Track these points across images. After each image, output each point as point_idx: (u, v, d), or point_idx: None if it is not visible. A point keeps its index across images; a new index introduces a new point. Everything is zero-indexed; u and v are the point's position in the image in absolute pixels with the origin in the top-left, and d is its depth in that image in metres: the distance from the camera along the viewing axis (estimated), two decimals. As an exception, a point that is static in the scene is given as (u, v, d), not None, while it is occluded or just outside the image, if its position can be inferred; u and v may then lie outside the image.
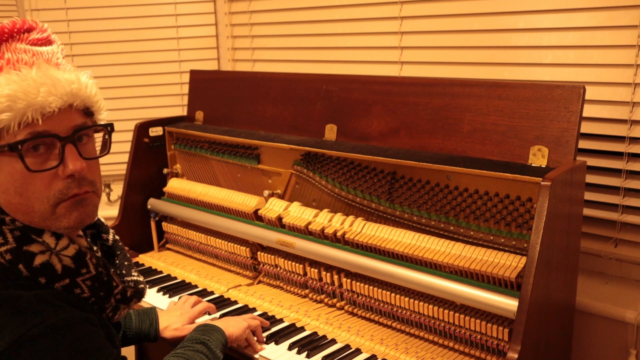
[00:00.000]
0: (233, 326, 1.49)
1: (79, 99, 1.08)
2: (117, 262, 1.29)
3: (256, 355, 1.53)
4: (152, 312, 1.59)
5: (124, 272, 1.28)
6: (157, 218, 2.28)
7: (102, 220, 1.33)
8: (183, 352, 1.32)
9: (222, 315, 1.72)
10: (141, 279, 1.29)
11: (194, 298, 1.70)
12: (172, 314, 1.62)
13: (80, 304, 1.06)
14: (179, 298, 1.83)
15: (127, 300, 1.19)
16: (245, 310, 1.77)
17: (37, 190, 1.05)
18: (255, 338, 1.57)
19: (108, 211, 2.81)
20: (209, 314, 1.71)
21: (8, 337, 0.92)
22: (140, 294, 1.24)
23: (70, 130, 1.07)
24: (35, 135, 1.03)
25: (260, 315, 1.73)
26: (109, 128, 1.18)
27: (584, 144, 1.80)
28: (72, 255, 1.06)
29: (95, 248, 1.27)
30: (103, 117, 1.17)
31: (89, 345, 0.99)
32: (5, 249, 1.01)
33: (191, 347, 1.33)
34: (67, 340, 0.96)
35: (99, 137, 1.21)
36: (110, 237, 1.31)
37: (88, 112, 1.13)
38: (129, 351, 2.31)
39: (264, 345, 1.56)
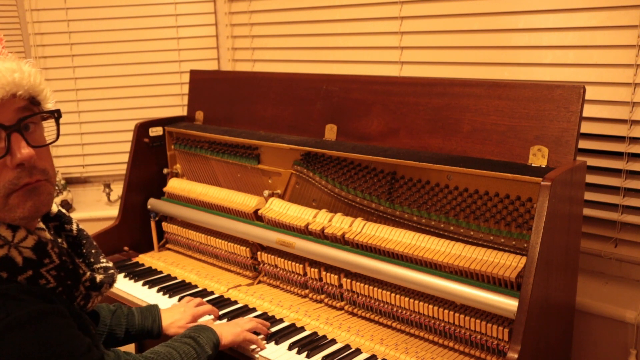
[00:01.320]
0: (227, 331, 1.50)
1: (22, 88, 1.05)
2: (84, 251, 1.28)
3: (256, 355, 1.53)
4: (154, 309, 1.60)
5: (92, 260, 1.28)
6: (157, 218, 2.28)
7: (64, 211, 1.32)
8: (171, 343, 1.36)
9: (222, 315, 1.72)
10: (110, 264, 1.28)
11: (198, 300, 1.71)
12: (175, 311, 1.62)
13: (47, 295, 1.03)
14: (180, 299, 1.84)
15: (98, 287, 1.17)
16: (246, 310, 1.77)
17: (5, 171, 1.03)
18: (261, 335, 1.58)
19: (108, 211, 2.81)
20: (213, 317, 1.70)
21: None
22: (111, 279, 1.22)
23: (14, 119, 1.04)
24: None
25: (260, 315, 1.73)
26: (56, 114, 1.13)
27: (584, 144, 1.80)
28: (31, 247, 1.04)
29: (60, 240, 1.26)
30: (50, 106, 1.14)
31: (57, 337, 0.98)
32: None
33: (179, 340, 1.38)
34: (33, 333, 0.95)
35: (50, 125, 1.17)
36: (74, 227, 1.29)
37: (34, 101, 1.10)
38: (129, 349, 2.30)
39: (265, 345, 1.56)
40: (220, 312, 1.74)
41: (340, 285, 1.73)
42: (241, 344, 1.52)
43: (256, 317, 1.70)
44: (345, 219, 1.73)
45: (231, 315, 1.71)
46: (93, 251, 1.28)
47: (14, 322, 0.94)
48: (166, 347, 1.34)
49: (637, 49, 1.69)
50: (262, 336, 1.58)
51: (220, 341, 1.46)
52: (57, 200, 2.80)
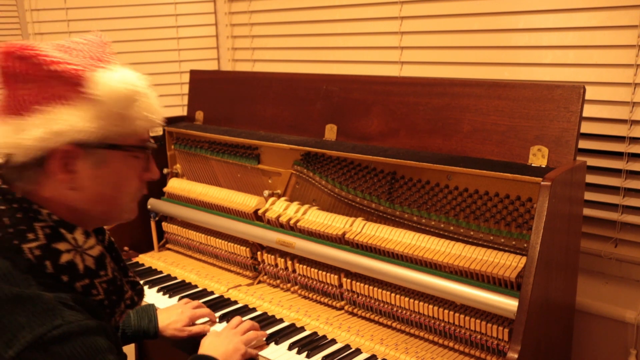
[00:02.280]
0: (231, 355, 1.44)
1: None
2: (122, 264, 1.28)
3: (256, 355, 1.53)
4: (150, 308, 1.59)
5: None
6: (157, 218, 2.28)
7: None
8: None
9: (222, 316, 1.72)
10: (137, 279, 1.27)
11: (196, 302, 1.71)
12: (172, 312, 1.62)
13: (96, 308, 1.06)
14: (180, 299, 1.83)
15: (134, 304, 1.19)
16: (246, 310, 1.76)
17: (132, 186, 1.12)
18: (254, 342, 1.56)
19: (108, 211, 2.80)
20: (210, 321, 1.69)
21: (29, 337, 0.92)
22: (141, 296, 1.23)
23: (153, 140, 1.16)
24: (147, 141, 1.12)
25: (260, 315, 1.73)
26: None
27: (584, 144, 1.80)
28: (95, 256, 1.07)
29: None
30: None
31: (101, 357, 0.98)
32: (36, 245, 1.00)
33: None
34: (82, 346, 0.96)
35: None
36: (106, 237, 1.28)
37: None
38: (129, 349, 2.30)
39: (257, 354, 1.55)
40: (221, 312, 1.74)
41: (340, 285, 1.73)
42: (248, 352, 1.50)
43: (256, 317, 1.70)
44: (346, 219, 1.73)
45: (231, 317, 1.71)
46: (121, 264, 1.24)
47: (67, 332, 0.95)
48: None
49: (637, 49, 1.69)
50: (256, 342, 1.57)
51: None
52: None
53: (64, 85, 1.00)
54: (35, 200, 1.03)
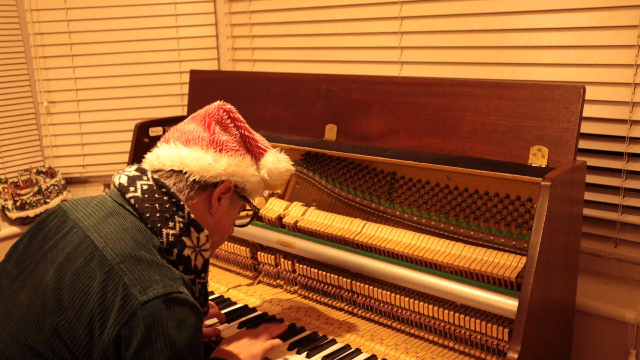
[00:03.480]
0: None
1: None
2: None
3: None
4: None
5: None
6: (157, 218, 2.28)
7: None
8: None
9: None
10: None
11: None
12: None
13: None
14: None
15: (206, 314, 1.42)
16: (246, 310, 1.76)
17: (228, 231, 1.44)
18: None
19: (108, 211, 2.80)
20: (220, 322, 1.68)
21: (161, 290, 1.11)
22: (205, 315, 1.43)
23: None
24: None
25: (259, 315, 1.72)
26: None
27: (584, 144, 1.80)
28: (205, 258, 1.32)
29: None
30: None
31: (199, 337, 1.17)
32: (173, 232, 1.25)
33: None
34: (191, 318, 1.15)
35: None
36: None
37: None
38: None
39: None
40: (222, 313, 1.73)
41: (340, 285, 1.73)
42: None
43: (256, 317, 1.69)
44: (346, 219, 1.73)
45: (231, 317, 1.71)
46: None
47: (187, 300, 1.15)
48: None
49: (637, 49, 1.69)
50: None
51: None
52: (57, 200, 2.81)
53: (244, 147, 1.41)
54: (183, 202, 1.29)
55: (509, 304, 1.35)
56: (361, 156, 1.71)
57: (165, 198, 1.27)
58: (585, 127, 1.77)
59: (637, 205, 1.77)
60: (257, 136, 1.44)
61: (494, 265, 1.42)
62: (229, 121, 1.40)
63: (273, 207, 1.89)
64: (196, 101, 2.34)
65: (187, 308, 1.15)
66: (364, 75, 1.92)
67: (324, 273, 1.76)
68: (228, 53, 2.92)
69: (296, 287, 1.86)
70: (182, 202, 1.28)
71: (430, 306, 1.53)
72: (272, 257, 1.89)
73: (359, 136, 1.80)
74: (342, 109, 1.85)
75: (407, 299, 1.58)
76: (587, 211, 1.80)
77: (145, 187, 1.28)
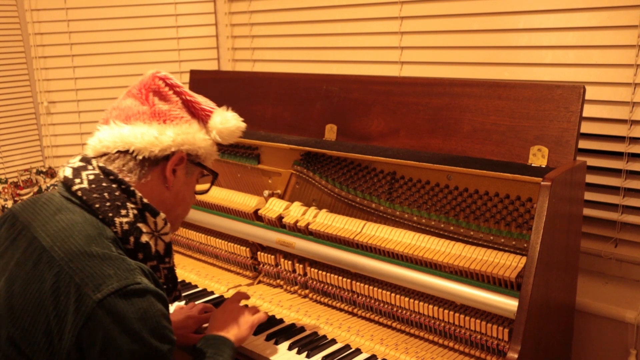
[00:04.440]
0: (242, 331, 1.47)
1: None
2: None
3: (255, 355, 1.53)
4: None
5: None
6: (157, 218, 2.28)
7: None
8: None
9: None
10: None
11: (201, 306, 1.69)
12: (175, 318, 1.61)
13: (160, 289, 1.18)
14: (185, 303, 1.83)
15: (178, 298, 1.35)
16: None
17: (189, 202, 1.38)
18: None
19: (108, 211, 2.80)
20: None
21: (116, 285, 1.06)
22: (179, 298, 1.39)
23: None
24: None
25: (260, 315, 1.73)
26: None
27: (584, 144, 1.80)
28: (166, 242, 1.26)
29: None
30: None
31: (164, 321, 1.13)
32: (126, 220, 1.19)
33: None
34: (154, 305, 1.10)
35: None
36: None
37: None
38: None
39: (264, 343, 1.56)
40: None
41: (340, 285, 1.73)
42: (248, 337, 1.50)
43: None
44: (346, 219, 1.73)
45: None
46: None
47: (146, 290, 1.10)
48: None
49: (637, 49, 1.69)
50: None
51: (237, 345, 1.44)
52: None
53: (189, 112, 1.33)
54: (133, 187, 1.22)
55: (509, 304, 1.35)
56: (361, 156, 1.71)
57: (114, 186, 1.21)
58: (585, 127, 1.77)
59: (637, 205, 1.77)
60: (200, 98, 1.37)
61: (494, 265, 1.42)
62: (166, 89, 1.32)
63: (273, 207, 1.89)
64: (196, 101, 2.33)
65: (149, 297, 1.10)
66: (364, 75, 1.92)
67: (324, 273, 1.76)
68: (228, 53, 2.92)
69: (296, 287, 1.86)
70: (132, 188, 1.22)
71: (430, 306, 1.53)
72: (272, 257, 1.89)
73: (359, 136, 1.80)
74: (342, 109, 1.85)
75: (407, 299, 1.58)
76: (587, 211, 1.80)
77: (91, 176, 1.21)
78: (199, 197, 2.10)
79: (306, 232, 1.78)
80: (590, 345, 1.81)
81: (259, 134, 2.03)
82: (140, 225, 1.20)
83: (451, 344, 1.51)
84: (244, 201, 1.98)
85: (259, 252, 1.94)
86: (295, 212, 1.83)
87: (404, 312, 1.59)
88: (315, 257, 1.75)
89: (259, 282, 1.98)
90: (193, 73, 2.38)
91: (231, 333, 1.44)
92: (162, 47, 2.94)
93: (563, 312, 1.54)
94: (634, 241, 1.79)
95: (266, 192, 1.95)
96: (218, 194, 2.07)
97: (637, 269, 1.81)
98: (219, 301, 1.82)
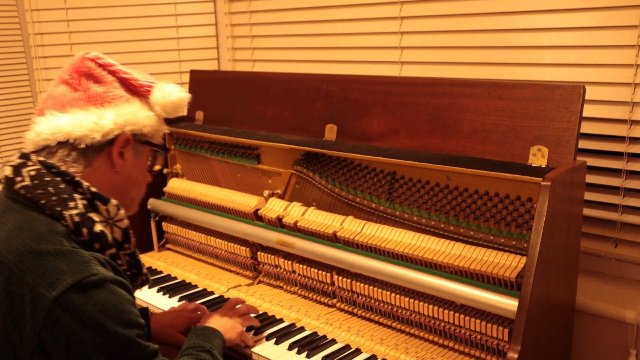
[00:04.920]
0: (230, 331, 1.50)
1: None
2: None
3: (256, 355, 1.53)
4: (143, 312, 1.59)
5: None
6: (157, 218, 2.28)
7: None
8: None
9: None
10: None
11: (193, 305, 1.70)
12: (166, 317, 1.61)
13: (121, 274, 1.17)
14: (180, 299, 1.83)
15: (145, 283, 1.31)
16: (245, 310, 1.76)
17: (143, 182, 1.34)
18: (251, 332, 1.59)
19: (108, 211, 2.80)
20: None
21: (70, 280, 1.04)
22: (148, 282, 1.34)
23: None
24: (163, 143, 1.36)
25: (260, 315, 1.73)
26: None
27: (584, 144, 1.80)
28: (123, 228, 1.22)
29: None
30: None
31: (128, 306, 1.10)
32: (75, 212, 1.14)
33: (197, 356, 1.34)
34: (115, 294, 1.08)
35: None
36: None
37: None
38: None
39: (264, 343, 1.56)
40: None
41: (340, 285, 1.73)
42: (235, 340, 1.52)
43: (256, 317, 1.69)
44: (346, 219, 1.73)
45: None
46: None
47: (103, 280, 1.07)
48: None
49: (637, 49, 1.69)
50: (251, 332, 1.60)
51: (226, 343, 1.46)
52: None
53: (128, 90, 1.28)
54: (79, 177, 1.19)
55: (509, 304, 1.35)
56: (361, 156, 1.71)
57: (57, 179, 1.16)
58: (585, 127, 1.77)
59: (637, 205, 1.77)
60: (137, 74, 1.31)
61: (494, 265, 1.42)
62: (99, 70, 1.26)
63: (273, 207, 1.89)
64: (196, 101, 2.33)
65: (107, 286, 1.07)
66: (364, 75, 1.92)
67: (324, 273, 1.76)
68: (228, 53, 2.92)
69: (296, 288, 1.86)
70: (77, 178, 1.17)
71: (430, 306, 1.53)
72: (272, 257, 1.89)
73: (359, 136, 1.80)
74: (342, 109, 1.85)
75: (407, 299, 1.58)
76: (587, 211, 1.80)
77: (32, 172, 1.16)
78: (199, 198, 2.11)
79: (306, 232, 1.78)
80: (590, 345, 1.81)
81: (259, 134, 2.03)
82: (91, 215, 1.16)
83: (451, 344, 1.51)
84: (244, 201, 1.98)
85: (259, 252, 1.94)
86: (295, 212, 1.83)
87: (404, 312, 1.59)
88: (315, 257, 1.75)
89: (259, 282, 1.98)
90: (193, 73, 2.38)
91: (220, 327, 1.47)
92: (162, 47, 2.94)
93: (563, 312, 1.54)
94: (634, 241, 1.79)
95: (266, 192, 1.95)
96: (218, 194, 2.07)
97: (637, 269, 1.81)
98: (219, 301, 1.82)
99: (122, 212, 1.22)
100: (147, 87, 1.31)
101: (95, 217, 1.16)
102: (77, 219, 1.13)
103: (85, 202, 1.16)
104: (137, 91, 1.30)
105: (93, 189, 1.18)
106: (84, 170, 1.21)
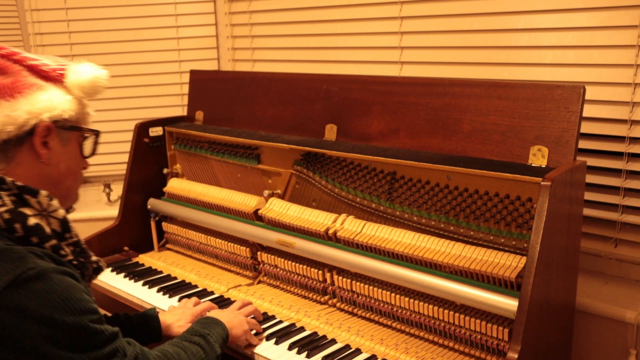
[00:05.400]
0: (237, 326, 1.51)
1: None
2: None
3: (256, 355, 1.53)
4: (151, 312, 1.59)
5: None
6: (157, 218, 2.28)
7: None
8: (179, 342, 1.34)
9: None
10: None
11: (194, 299, 1.70)
12: (174, 313, 1.62)
13: (65, 265, 1.14)
14: (180, 299, 1.83)
15: (99, 271, 1.26)
16: (245, 310, 1.76)
17: (77, 170, 1.29)
18: (253, 331, 1.59)
19: (108, 211, 2.81)
20: None
21: (6, 279, 1.01)
22: (102, 269, 1.29)
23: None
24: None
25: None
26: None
27: (584, 144, 1.80)
28: (60, 218, 1.17)
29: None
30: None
31: (76, 294, 1.07)
32: (4, 209, 1.11)
33: (189, 339, 1.36)
34: (59, 282, 1.05)
35: None
36: None
37: None
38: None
39: (264, 343, 1.57)
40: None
41: (340, 285, 1.73)
42: (241, 337, 1.53)
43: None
44: (346, 219, 1.73)
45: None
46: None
47: (41, 272, 1.04)
48: (175, 346, 1.32)
49: (637, 49, 1.69)
50: (254, 331, 1.60)
51: (229, 337, 1.47)
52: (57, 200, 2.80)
53: (39, 77, 1.22)
54: (3, 174, 1.14)
55: (509, 304, 1.35)
56: (361, 156, 1.71)
57: None
58: (585, 127, 1.77)
59: (637, 205, 1.77)
60: (48, 59, 1.26)
61: (494, 265, 1.42)
62: (3, 60, 1.21)
63: (273, 207, 1.89)
64: (196, 101, 2.34)
65: (49, 277, 1.05)
66: (364, 75, 1.92)
67: (324, 273, 1.76)
68: (228, 53, 2.92)
69: (296, 287, 1.86)
70: None
71: (430, 306, 1.53)
72: (272, 257, 1.89)
73: (359, 136, 1.80)
74: (342, 109, 1.85)
75: (407, 299, 1.58)
76: (587, 211, 1.80)
77: None
78: (199, 198, 2.11)
79: (306, 232, 1.78)
80: (590, 345, 1.81)
81: (259, 134, 2.03)
82: (22, 209, 1.12)
83: (451, 344, 1.51)
84: (244, 201, 1.98)
85: (259, 252, 1.94)
86: (295, 212, 1.83)
87: (404, 312, 1.59)
88: (315, 257, 1.75)
89: (259, 282, 1.98)
90: (193, 73, 2.38)
91: (225, 320, 1.48)
92: (162, 47, 2.94)
93: (563, 312, 1.54)
94: (634, 241, 1.79)
95: (266, 192, 1.95)
96: (218, 194, 2.07)
97: (637, 269, 1.81)
98: (219, 301, 1.82)
99: (54, 202, 1.17)
100: (59, 70, 1.26)
101: (27, 211, 1.13)
102: (6, 215, 1.10)
103: (13, 197, 1.13)
104: (50, 76, 1.25)
105: (19, 183, 1.14)
106: (8, 166, 1.17)
